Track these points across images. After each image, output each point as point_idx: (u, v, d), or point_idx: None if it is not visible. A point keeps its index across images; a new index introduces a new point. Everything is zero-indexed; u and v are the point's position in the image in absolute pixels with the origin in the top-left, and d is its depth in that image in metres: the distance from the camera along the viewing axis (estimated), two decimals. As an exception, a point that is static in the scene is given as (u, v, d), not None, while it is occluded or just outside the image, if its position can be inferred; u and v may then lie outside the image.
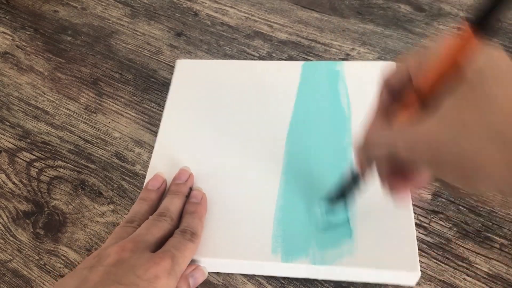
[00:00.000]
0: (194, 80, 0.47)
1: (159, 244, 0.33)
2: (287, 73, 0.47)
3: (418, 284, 0.36)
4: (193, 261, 0.36)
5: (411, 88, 0.26)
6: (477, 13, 0.21)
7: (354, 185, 0.32)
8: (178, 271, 0.32)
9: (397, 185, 0.28)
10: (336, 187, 0.34)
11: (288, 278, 0.37)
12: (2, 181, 0.44)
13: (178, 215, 0.36)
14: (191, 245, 0.34)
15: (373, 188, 0.34)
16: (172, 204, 0.36)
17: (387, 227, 0.36)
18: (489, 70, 0.22)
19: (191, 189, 0.39)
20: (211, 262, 0.36)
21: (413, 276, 0.34)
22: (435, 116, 0.23)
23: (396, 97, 0.27)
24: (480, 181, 0.21)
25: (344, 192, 0.34)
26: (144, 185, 0.39)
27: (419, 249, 0.36)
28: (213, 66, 0.48)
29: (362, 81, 0.44)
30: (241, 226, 0.37)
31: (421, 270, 0.36)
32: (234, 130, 0.43)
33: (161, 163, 0.41)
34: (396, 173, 0.28)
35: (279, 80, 0.46)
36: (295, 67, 0.47)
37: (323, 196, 0.36)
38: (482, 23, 0.21)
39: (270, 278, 0.37)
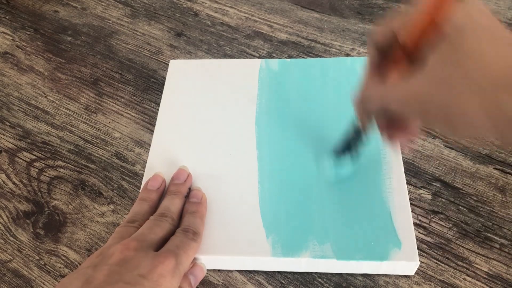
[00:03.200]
0: (187, 80, 0.47)
1: (162, 244, 0.33)
2: (281, 71, 0.47)
3: (418, 284, 0.36)
4: (194, 261, 0.36)
5: (397, 46, 0.28)
6: None
7: (357, 137, 0.35)
8: (182, 270, 0.32)
9: (393, 135, 0.32)
10: (341, 141, 0.37)
11: (288, 278, 0.37)
12: (2, 181, 0.44)
13: (178, 215, 0.36)
14: (194, 244, 0.34)
15: (369, 178, 0.38)
16: (173, 205, 0.36)
17: (384, 218, 0.36)
18: (468, 26, 0.23)
19: (190, 188, 0.39)
20: (209, 259, 0.36)
21: (412, 266, 0.35)
22: (421, 73, 0.25)
23: (385, 55, 0.29)
24: (464, 128, 0.24)
25: (349, 145, 0.36)
26: (142, 185, 0.39)
27: (419, 249, 0.36)
28: (206, 65, 0.49)
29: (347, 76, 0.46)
30: (237, 222, 0.37)
31: (421, 270, 0.36)
32: (227, 128, 0.43)
33: (158, 163, 0.41)
34: (392, 124, 0.31)
35: (271, 77, 0.47)
36: (289, 65, 0.47)
37: (330, 150, 0.38)
38: None
39: (270, 278, 0.37)
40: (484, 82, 0.22)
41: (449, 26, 0.24)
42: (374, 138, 0.41)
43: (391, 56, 0.28)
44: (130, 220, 0.35)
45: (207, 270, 0.37)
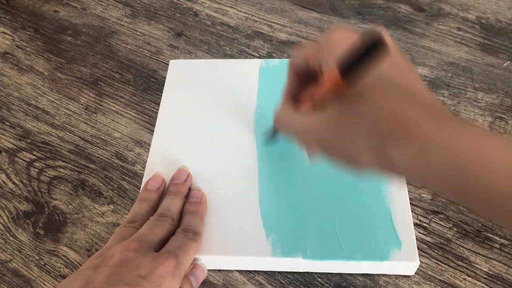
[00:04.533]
0: (187, 80, 0.47)
1: (162, 244, 0.33)
2: (281, 71, 0.47)
3: (418, 284, 0.36)
4: (194, 261, 0.36)
5: (312, 75, 0.30)
6: (344, 64, 0.25)
7: (274, 134, 0.39)
8: (182, 271, 0.32)
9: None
10: (268, 132, 0.41)
11: (288, 278, 0.37)
12: (2, 181, 0.44)
13: (178, 215, 0.36)
14: (194, 244, 0.34)
15: (368, 180, 0.38)
16: (172, 205, 0.36)
17: (384, 218, 0.36)
18: (378, 83, 0.26)
19: (189, 188, 0.39)
20: (209, 259, 0.36)
21: (412, 265, 0.35)
22: (323, 113, 0.28)
23: (302, 82, 0.32)
24: (357, 166, 0.27)
25: (272, 135, 0.40)
26: (142, 184, 0.39)
27: (419, 249, 0.36)
28: (206, 65, 0.49)
29: None
30: (237, 222, 0.37)
31: (421, 270, 0.36)
32: (226, 128, 0.43)
33: (158, 163, 0.41)
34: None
35: (271, 77, 0.47)
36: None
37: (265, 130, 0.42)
38: (348, 72, 0.25)
39: (270, 278, 0.37)
40: (376, 132, 0.25)
41: (359, 85, 0.26)
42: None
43: (306, 84, 0.31)
44: (130, 220, 0.35)
45: (208, 270, 0.37)
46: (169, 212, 0.36)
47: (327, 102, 0.28)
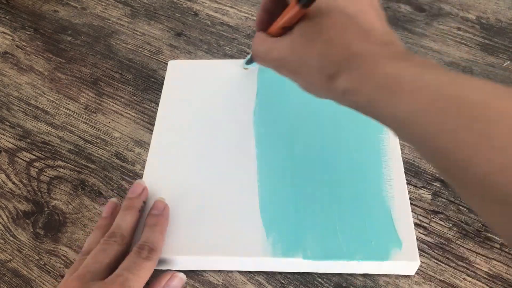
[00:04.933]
0: (186, 80, 0.47)
1: (113, 268, 0.32)
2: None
3: (418, 284, 0.36)
4: (193, 261, 0.36)
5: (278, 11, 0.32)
6: None
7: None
8: None
9: None
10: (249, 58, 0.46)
11: (288, 278, 0.37)
12: (2, 181, 0.44)
13: (131, 231, 0.36)
14: (147, 263, 0.33)
15: (369, 178, 0.38)
16: (124, 221, 0.36)
17: (385, 218, 0.36)
18: (331, 11, 0.28)
19: (144, 202, 0.38)
20: (209, 260, 0.36)
21: (413, 265, 0.35)
22: (286, 40, 0.30)
23: (273, 12, 0.34)
24: (309, 89, 0.30)
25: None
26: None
27: (419, 249, 0.36)
28: (205, 65, 0.49)
29: None
30: (236, 222, 0.37)
31: (421, 270, 0.36)
32: (226, 127, 0.43)
33: (158, 163, 0.41)
34: None
35: (270, 77, 0.47)
36: None
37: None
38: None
39: (270, 278, 0.37)
40: (326, 62, 0.27)
41: (313, 11, 0.29)
42: (375, 138, 0.41)
43: (276, 15, 0.33)
44: (84, 252, 0.35)
45: (207, 270, 0.37)
46: (120, 229, 0.35)
47: (293, 27, 0.30)
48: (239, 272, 0.37)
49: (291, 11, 0.29)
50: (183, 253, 0.36)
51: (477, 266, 0.36)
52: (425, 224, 0.39)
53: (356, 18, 0.28)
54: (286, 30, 0.31)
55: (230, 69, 0.48)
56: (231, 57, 0.52)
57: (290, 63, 0.30)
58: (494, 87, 0.21)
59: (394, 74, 0.24)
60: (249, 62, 0.46)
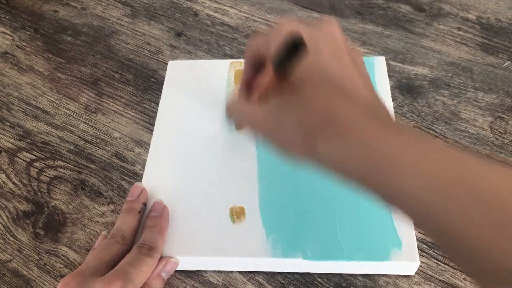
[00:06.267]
0: (186, 81, 0.47)
1: (114, 265, 0.33)
2: None
3: (418, 284, 0.36)
4: (193, 261, 0.36)
5: (266, 65, 0.31)
6: (275, 59, 0.27)
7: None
8: (133, 287, 0.32)
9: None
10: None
11: (288, 278, 0.37)
12: (2, 181, 0.44)
13: (132, 232, 0.36)
14: (148, 259, 0.33)
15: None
16: (124, 223, 0.36)
17: (385, 218, 0.36)
18: (313, 78, 0.27)
19: (144, 204, 0.38)
20: (209, 261, 0.36)
21: (413, 265, 0.35)
22: (265, 106, 0.29)
23: (256, 72, 0.33)
24: (291, 155, 0.29)
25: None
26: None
27: (419, 249, 0.36)
28: (205, 65, 0.49)
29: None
30: (239, 223, 0.37)
31: (421, 270, 0.36)
32: (225, 127, 0.43)
33: (157, 163, 0.41)
34: None
35: None
36: None
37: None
38: (280, 67, 0.27)
39: (270, 278, 0.37)
40: (306, 126, 0.26)
41: (294, 77, 0.28)
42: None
43: (260, 75, 0.32)
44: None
45: (208, 270, 0.37)
46: (120, 231, 0.35)
47: (271, 94, 0.30)
48: (239, 272, 0.37)
49: (268, 78, 0.29)
50: (183, 253, 0.36)
51: (477, 266, 0.36)
52: (425, 224, 0.39)
53: (340, 82, 0.27)
54: (263, 96, 0.31)
55: (230, 69, 0.48)
56: (231, 57, 0.52)
57: (269, 129, 0.29)
58: (488, 163, 0.21)
59: (393, 148, 0.23)
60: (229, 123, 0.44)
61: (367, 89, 0.28)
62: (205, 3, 0.59)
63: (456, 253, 0.22)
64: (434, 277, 0.36)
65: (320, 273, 0.37)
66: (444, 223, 0.21)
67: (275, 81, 0.29)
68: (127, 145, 0.46)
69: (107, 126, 0.47)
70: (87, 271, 0.32)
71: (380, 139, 0.24)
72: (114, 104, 0.49)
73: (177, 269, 0.37)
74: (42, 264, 0.39)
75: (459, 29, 0.54)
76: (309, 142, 0.26)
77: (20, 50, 0.55)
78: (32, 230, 0.40)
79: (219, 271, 0.37)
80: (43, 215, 0.41)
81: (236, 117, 0.34)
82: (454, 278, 0.36)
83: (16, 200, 0.42)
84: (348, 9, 0.57)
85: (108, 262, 0.33)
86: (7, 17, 0.59)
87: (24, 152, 0.46)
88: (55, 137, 0.47)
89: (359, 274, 0.36)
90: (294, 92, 0.27)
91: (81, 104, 0.49)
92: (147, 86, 0.50)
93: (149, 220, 0.37)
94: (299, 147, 0.27)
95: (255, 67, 0.33)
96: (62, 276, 0.38)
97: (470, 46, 0.52)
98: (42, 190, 0.43)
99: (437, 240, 0.24)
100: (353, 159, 0.24)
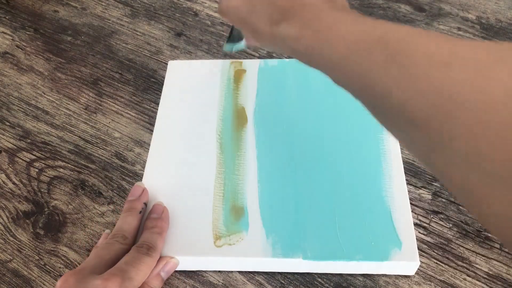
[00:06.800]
0: (186, 81, 0.47)
1: (113, 264, 0.33)
2: (280, 71, 0.47)
3: (418, 284, 0.36)
4: (193, 261, 0.36)
5: None
6: None
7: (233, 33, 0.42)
8: (132, 286, 0.32)
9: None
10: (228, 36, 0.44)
11: (288, 278, 0.37)
12: (2, 181, 0.44)
13: (133, 232, 0.36)
14: (147, 258, 0.33)
15: (369, 179, 0.39)
16: (125, 223, 0.36)
17: (385, 218, 0.37)
18: None
19: (145, 204, 0.38)
20: (209, 261, 0.36)
21: (412, 266, 0.35)
22: None
23: None
24: (260, 38, 0.32)
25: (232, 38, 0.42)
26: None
27: (419, 249, 0.36)
28: (204, 65, 0.49)
29: None
30: (239, 223, 0.37)
31: (421, 270, 0.36)
32: (225, 127, 0.43)
33: (158, 163, 0.41)
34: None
35: (270, 77, 0.47)
36: (288, 65, 0.47)
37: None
38: None
39: (270, 278, 0.37)
40: (273, 10, 0.29)
41: None
42: (375, 138, 0.41)
43: None
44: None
45: (208, 270, 0.37)
46: (121, 230, 0.36)
47: None
48: (239, 272, 0.37)
49: None
50: (183, 253, 0.36)
51: (477, 266, 0.36)
52: (425, 224, 0.39)
53: None
54: None
55: (230, 69, 0.48)
56: (231, 57, 0.52)
57: (243, 12, 0.32)
58: (413, 29, 0.24)
59: (330, 22, 0.26)
60: (230, 40, 0.43)
61: None
62: (205, 3, 0.59)
63: (371, 101, 0.25)
64: (434, 277, 0.36)
65: (320, 273, 0.37)
66: (362, 74, 0.24)
67: None
68: (127, 145, 0.46)
69: (107, 126, 0.47)
70: (86, 269, 0.32)
71: (329, 16, 0.27)
72: (114, 104, 0.49)
73: (177, 269, 0.37)
74: (42, 264, 0.39)
75: (459, 29, 0.54)
76: (273, 24, 0.29)
77: (20, 50, 0.55)
78: (32, 230, 0.40)
79: (219, 271, 0.37)
80: (43, 215, 0.41)
81: (223, 5, 0.35)
82: (454, 278, 0.36)
83: (16, 200, 0.42)
84: (348, 9, 0.57)
85: (108, 261, 0.33)
86: (7, 17, 0.59)
87: (24, 152, 0.46)
88: (55, 137, 0.47)
89: (359, 274, 0.36)
90: None
91: (81, 104, 0.49)
92: (147, 86, 0.50)
93: (149, 221, 0.37)
94: (265, 28, 0.30)
95: None
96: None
97: (470, 46, 0.52)
98: (42, 190, 0.43)
99: (362, 100, 0.26)
100: (307, 37, 0.27)
